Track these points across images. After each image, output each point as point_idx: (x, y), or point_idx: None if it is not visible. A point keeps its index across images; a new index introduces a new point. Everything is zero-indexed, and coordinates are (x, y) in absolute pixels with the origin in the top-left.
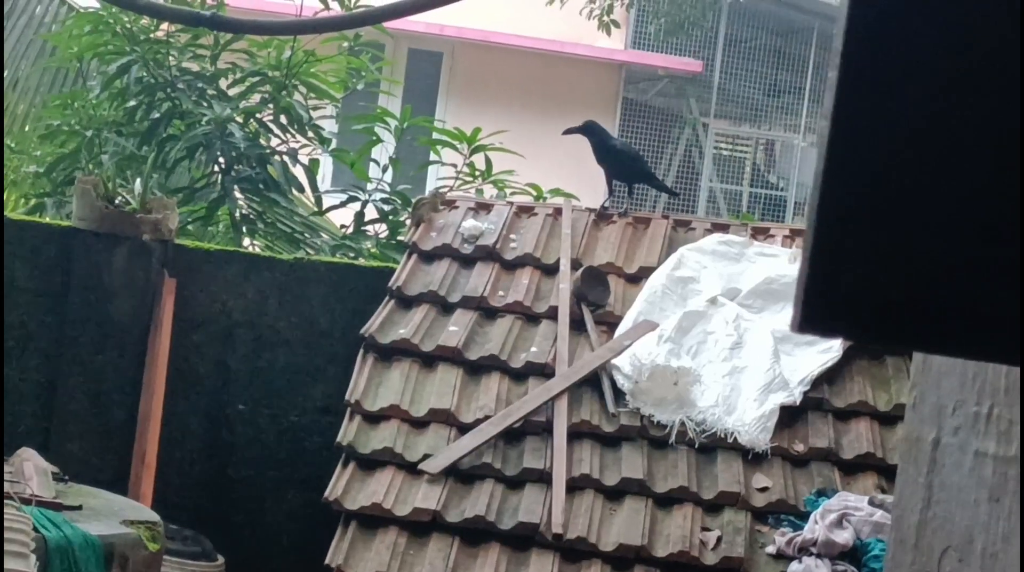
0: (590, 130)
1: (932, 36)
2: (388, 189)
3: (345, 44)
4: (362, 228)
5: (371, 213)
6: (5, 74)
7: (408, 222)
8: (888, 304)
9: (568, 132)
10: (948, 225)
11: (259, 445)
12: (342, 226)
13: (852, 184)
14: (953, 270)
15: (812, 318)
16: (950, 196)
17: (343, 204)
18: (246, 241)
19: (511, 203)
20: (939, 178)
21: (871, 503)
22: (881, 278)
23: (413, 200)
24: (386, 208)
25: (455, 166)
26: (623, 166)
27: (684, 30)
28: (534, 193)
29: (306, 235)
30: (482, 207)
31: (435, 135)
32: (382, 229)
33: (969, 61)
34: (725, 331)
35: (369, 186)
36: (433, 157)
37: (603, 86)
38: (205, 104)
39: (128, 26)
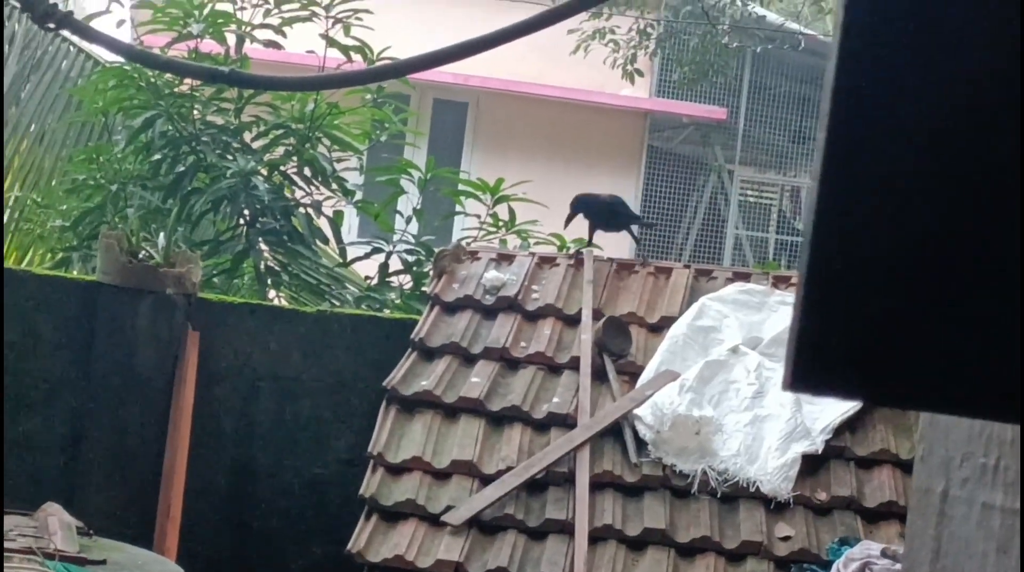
0: (581, 204)
1: (919, 96)
2: (412, 240)
3: (369, 96)
4: (386, 279)
5: (396, 264)
6: (32, 127)
7: (431, 273)
8: (881, 363)
9: (568, 222)
10: (941, 282)
11: (283, 498)
12: (367, 278)
13: (842, 242)
14: (946, 328)
15: (804, 376)
16: (941, 254)
17: (367, 255)
18: (271, 293)
19: (533, 254)
20: (930, 236)
21: (884, 554)
22: (873, 336)
23: (435, 251)
24: (410, 259)
25: (479, 217)
26: (609, 217)
27: (708, 78)
28: (557, 243)
29: (331, 287)
30: (504, 258)
31: (460, 186)
32: (406, 280)
33: (956, 119)
34: (747, 380)
35: (394, 237)
36: (459, 208)
37: (628, 134)
38: (229, 157)
39: (153, 80)
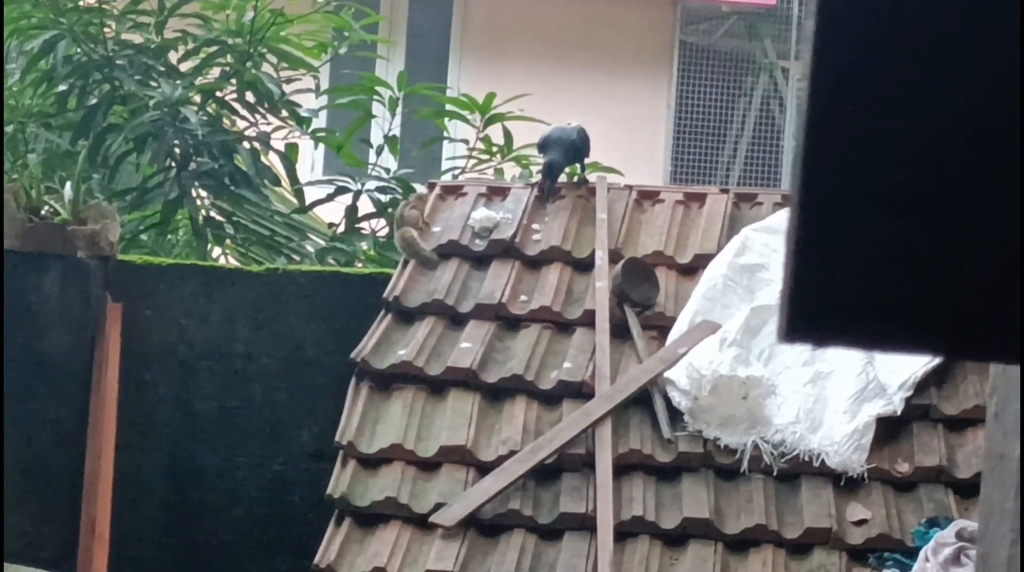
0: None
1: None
2: (386, 175)
3: None
4: (356, 226)
5: (367, 206)
6: None
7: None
8: (884, 306)
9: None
10: (942, 221)
11: (235, 504)
12: (331, 225)
13: (838, 177)
14: (951, 269)
15: (802, 324)
16: (939, 188)
17: (331, 197)
18: (214, 250)
19: (531, 185)
20: (926, 171)
21: (959, 536)
22: (877, 278)
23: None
24: (384, 199)
25: (466, 142)
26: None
27: None
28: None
29: (289, 239)
30: (496, 192)
31: (447, 106)
32: (380, 225)
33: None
34: None
35: (364, 174)
36: (445, 133)
37: (654, 29)
38: (152, 84)
39: None
